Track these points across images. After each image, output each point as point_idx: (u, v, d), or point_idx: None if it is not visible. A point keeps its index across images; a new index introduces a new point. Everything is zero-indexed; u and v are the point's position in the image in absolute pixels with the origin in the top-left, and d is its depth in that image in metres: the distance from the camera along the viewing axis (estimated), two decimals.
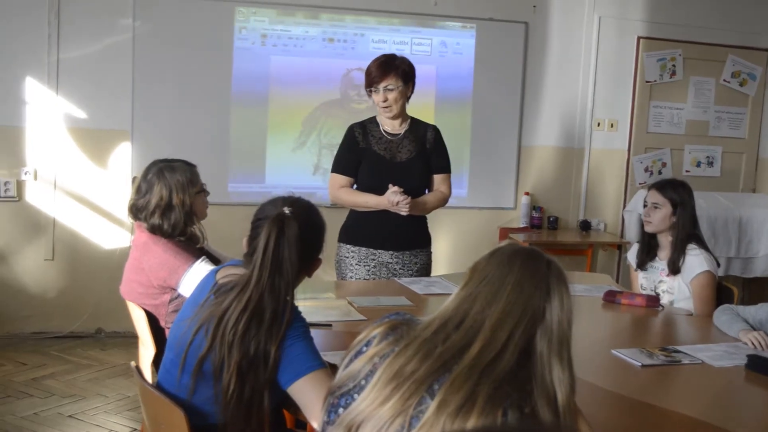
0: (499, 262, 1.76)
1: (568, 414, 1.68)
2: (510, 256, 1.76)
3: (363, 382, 1.72)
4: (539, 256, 1.77)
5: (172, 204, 3.25)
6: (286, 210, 2.25)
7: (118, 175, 5.69)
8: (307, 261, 2.34)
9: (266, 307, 2.17)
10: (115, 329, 5.73)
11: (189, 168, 3.38)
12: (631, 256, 4.08)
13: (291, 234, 2.21)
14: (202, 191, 3.40)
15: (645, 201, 3.93)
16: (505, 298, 1.70)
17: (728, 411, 2.50)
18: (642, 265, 3.95)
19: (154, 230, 3.25)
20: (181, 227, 3.27)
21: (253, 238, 2.28)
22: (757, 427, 2.36)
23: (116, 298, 3.60)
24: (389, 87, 3.91)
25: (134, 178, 3.53)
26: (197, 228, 3.36)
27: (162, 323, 3.22)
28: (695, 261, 3.72)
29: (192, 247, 3.31)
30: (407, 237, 4.02)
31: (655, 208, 3.83)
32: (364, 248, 3.99)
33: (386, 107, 3.95)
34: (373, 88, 3.94)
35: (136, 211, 3.31)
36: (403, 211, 3.86)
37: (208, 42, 5.80)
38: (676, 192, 3.82)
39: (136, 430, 4.17)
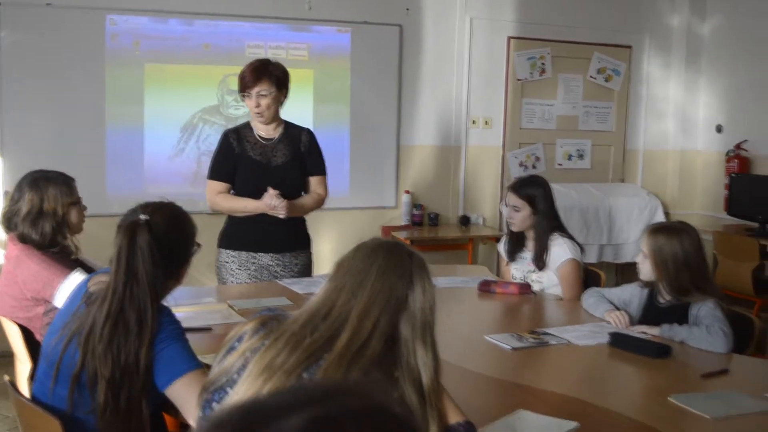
0: (363, 255, 1.84)
1: (433, 394, 1.78)
2: (373, 249, 1.85)
3: (235, 377, 1.77)
4: (401, 248, 1.87)
5: (43, 212, 3.19)
6: (141, 217, 2.23)
7: None
8: (172, 267, 2.34)
9: (129, 315, 2.16)
10: None
11: (65, 179, 3.33)
12: (502, 248, 4.23)
13: (142, 242, 2.19)
14: (78, 204, 3.35)
15: (506, 202, 4.03)
16: (369, 288, 1.78)
17: (592, 385, 2.65)
18: (512, 256, 4.10)
19: (25, 239, 3.19)
20: (51, 237, 3.22)
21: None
22: (615, 397, 2.52)
23: None
24: (262, 93, 3.93)
25: (6, 192, 3.45)
26: (70, 240, 3.31)
27: (38, 336, 3.16)
28: (559, 250, 3.89)
29: (66, 258, 3.26)
30: (287, 239, 4.06)
31: (515, 210, 3.94)
32: (244, 252, 4.01)
33: (258, 113, 3.97)
34: (245, 94, 3.96)
35: (8, 221, 3.25)
36: (281, 214, 3.90)
37: (80, 51, 5.69)
38: (532, 190, 3.94)
39: None
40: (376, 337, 1.75)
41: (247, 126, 4.11)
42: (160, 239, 2.23)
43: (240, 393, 1.70)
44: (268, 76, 3.94)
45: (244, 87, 3.95)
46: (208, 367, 2.27)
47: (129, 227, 2.21)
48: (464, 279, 4.14)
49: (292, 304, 3.48)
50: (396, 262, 1.82)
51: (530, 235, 4.00)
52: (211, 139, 5.95)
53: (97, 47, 5.73)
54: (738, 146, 6.85)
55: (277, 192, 3.89)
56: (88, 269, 3.31)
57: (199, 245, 2.48)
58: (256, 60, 4.06)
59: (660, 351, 2.91)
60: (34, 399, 2.31)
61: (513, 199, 3.95)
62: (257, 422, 0.73)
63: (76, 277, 3.12)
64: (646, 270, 3.31)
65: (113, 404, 2.12)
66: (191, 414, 2.12)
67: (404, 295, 1.79)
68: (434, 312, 1.83)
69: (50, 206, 3.21)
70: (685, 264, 3.20)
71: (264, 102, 3.94)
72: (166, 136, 5.98)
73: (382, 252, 1.84)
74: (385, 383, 1.71)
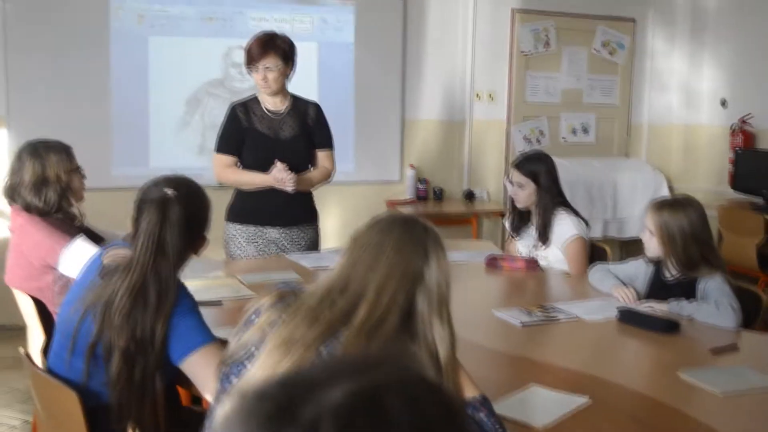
0: (378, 230, 1.84)
1: (450, 368, 1.79)
2: (388, 223, 1.86)
3: (254, 350, 1.78)
4: (416, 222, 1.87)
5: (47, 179, 3.20)
6: (169, 192, 2.27)
7: None
8: (192, 240, 2.37)
9: (150, 288, 2.19)
10: (0, 322, 5.57)
11: (63, 147, 3.34)
12: (507, 222, 4.22)
13: (174, 216, 2.24)
14: (78, 171, 3.36)
15: (510, 179, 4.01)
16: (385, 263, 1.78)
17: (601, 360, 2.67)
18: (517, 232, 4.10)
19: (29, 209, 3.20)
20: (56, 204, 3.22)
21: (136, 220, 2.29)
22: (625, 372, 2.54)
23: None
24: (268, 66, 3.92)
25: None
26: (75, 207, 3.32)
27: (51, 308, 3.18)
28: (564, 227, 3.87)
29: (69, 224, 3.27)
30: (294, 213, 4.06)
31: (520, 187, 3.93)
32: (252, 226, 4.01)
33: (265, 86, 3.96)
34: (252, 67, 3.95)
35: (11, 192, 3.25)
36: (289, 188, 3.90)
37: (84, 23, 5.66)
38: (535, 166, 3.91)
39: (27, 422, 4.10)
40: (393, 312, 1.76)
41: (254, 99, 4.10)
42: (186, 213, 2.27)
43: (259, 367, 1.71)
44: (275, 49, 3.92)
45: (251, 60, 3.94)
46: (220, 340, 2.29)
47: (160, 201, 2.24)
48: (471, 253, 4.15)
49: (300, 278, 3.49)
50: (411, 236, 1.83)
51: (535, 211, 3.99)
52: (216, 112, 5.92)
53: (101, 20, 5.70)
54: (742, 120, 6.83)
55: (285, 165, 3.89)
56: (93, 236, 3.33)
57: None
58: (262, 33, 4.04)
59: (669, 326, 2.92)
60: (50, 371, 2.32)
61: (516, 176, 3.93)
62: (299, 395, 0.75)
63: (80, 244, 3.13)
64: (652, 247, 3.29)
65: (127, 376, 2.15)
66: (206, 387, 2.14)
67: (420, 269, 1.80)
68: (449, 286, 1.85)
69: (53, 173, 3.22)
70: (692, 237, 3.19)
71: (271, 75, 3.93)
72: (171, 109, 5.97)
73: (398, 226, 1.84)
74: (414, 355, 1.73)
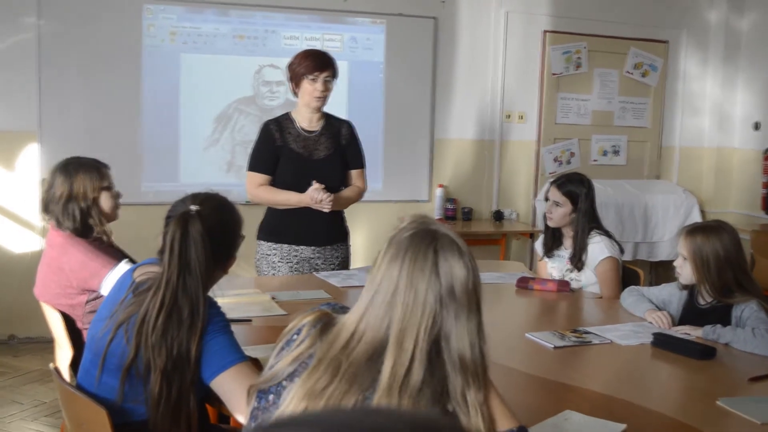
0: (391, 258, 1.72)
1: (484, 407, 1.71)
2: (399, 249, 1.72)
3: (293, 371, 1.74)
4: (427, 241, 1.72)
5: (73, 196, 3.21)
6: (192, 208, 2.23)
7: (26, 178, 5.56)
8: (221, 258, 2.34)
9: (182, 306, 2.17)
10: (29, 335, 5.60)
11: (96, 165, 3.34)
12: (539, 245, 4.19)
13: (195, 233, 2.19)
14: (109, 189, 3.35)
15: (546, 196, 4.00)
16: (401, 304, 1.69)
17: (635, 386, 2.61)
18: (549, 253, 4.06)
19: (60, 225, 3.21)
20: (82, 222, 3.22)
21: (164, 237, 2.28)
22: (661, 399, 2.48)
23: (29, 303, 3.53)
24: (328, 78, 3.93)
25: (43, 180, 3.48)
26: (103, 227, 3.32)
27: (79, 324, 3.18)
28: (597, 248, 3.85)
29: (112, 248, 3.28)
30: (328, 232, 4.05)
31: (556, 205, 3.92)
32: (285, 245, 3.99)
33: (321, 97, 3.95)
34: (312, 77, 3.91)
35: (45, 207, 3.28)
36: (326, 208, 3.88)
37: (116, 40, 5.71)
38: (575, 188, 3.90)
39: None
40: (419, 358, 1.67)
41: (288, 117, 4.08)
42: (211, 230, 2.24)
43: (288, 411, 1.67)
44: (333, 64, 3.98)
45: (312, 70, 3.91)
46: (252, 360, 2.27)
47: (181, 218, 2.21)
48: (500, 275, 4.11)
49: (330, 297, 3.47)
50: (424, 263, 1.69)
51: (568, 233, 3.97)
52: (246, 130, 5.95)
53: (133, 37, 5.75)
54: None
55: (323, 186, 3.87)
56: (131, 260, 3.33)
57: (243, 236, 2.48)
58: (313, 49, 4.07)
59: (705, 352, 2.86)
60: (79, 387, 2.31)
61: (555, 194, 3.91)
62: None
63: (123, 267, 3.13)
64: (686, 273, 3.23)
65: (166, 393, 2.13)
66: (237, 406, 2.12)
67: (436, 297, 1.68)
68: (473, 300, 1.72)
69: (79, 191, 3.22)
70: (726, 262, 3.14)
71: (330, 87, 3.96)
72: (201, 126, 5.99)
73: (410, 253, 1.70)
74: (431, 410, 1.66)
